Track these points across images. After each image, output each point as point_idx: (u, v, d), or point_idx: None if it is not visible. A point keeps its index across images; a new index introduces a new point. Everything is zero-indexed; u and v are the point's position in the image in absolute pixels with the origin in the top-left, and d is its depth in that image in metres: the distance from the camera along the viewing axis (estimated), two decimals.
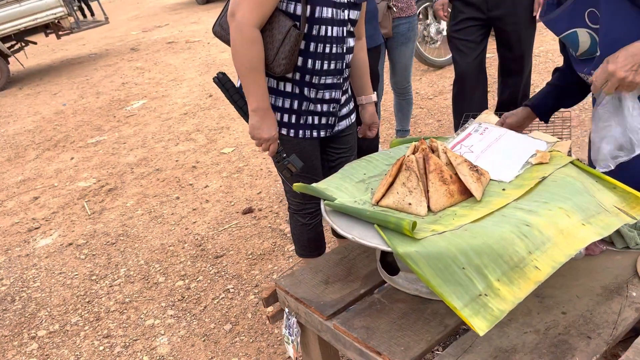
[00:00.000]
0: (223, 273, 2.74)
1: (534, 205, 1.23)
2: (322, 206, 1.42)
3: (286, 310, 1.53)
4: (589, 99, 3.81)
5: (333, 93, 1.87)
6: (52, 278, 2.95)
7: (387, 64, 3.34)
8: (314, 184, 1.52)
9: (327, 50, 1.77)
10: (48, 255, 3.18)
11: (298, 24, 1.69)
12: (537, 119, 1.82)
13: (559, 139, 1.57)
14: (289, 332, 1.54)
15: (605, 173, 1.36)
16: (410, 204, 1.33)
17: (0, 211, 3.89)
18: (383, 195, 1.39)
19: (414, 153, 1.40)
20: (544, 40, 5.26)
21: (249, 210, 3.27)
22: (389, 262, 1.47)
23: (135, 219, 3.43)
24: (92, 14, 8.69)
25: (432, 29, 4.91)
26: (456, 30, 2.98)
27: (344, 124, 1.98)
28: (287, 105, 1.85)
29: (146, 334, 2.41)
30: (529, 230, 1.15)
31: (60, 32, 7.69)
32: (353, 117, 2.02)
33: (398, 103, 3.47)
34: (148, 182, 3.92)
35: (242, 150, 4.20)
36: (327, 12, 1.72)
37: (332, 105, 1.89)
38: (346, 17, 1.79)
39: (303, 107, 1.85)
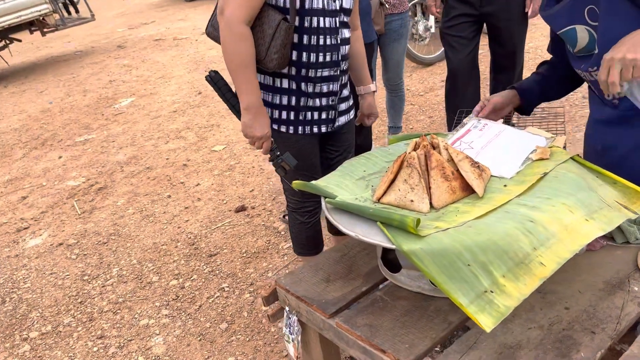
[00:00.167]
0: (217, 272, 2.72)
1: (537, 202, 1.23)
2: (322, 204, 1.41)
3: (286, 308, 1.52)
4: (575, 94, 3.85)
5: (331, 86, 1.85)
6: (42, 279, 2.91)
7: (379, 60, 3.33)
8: (313, 182, 1.51)
9: (321, 42, 1.76)
10: (38, 256, 3.14)
11: (288, 17, 1.68)
12: (525, 116, 1.81)
13: (553, 135, 1.57)
14: (289, 331, 1.53)
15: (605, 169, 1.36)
16: (412, 200, 1.32)
17: None
18: (384, 193, 1.38)
19: (415, 150, 1.39)
20: (534, 37, 5.29)
21: (241, 209, 3.26)
22: (390, 259, 1.46)
23: (126, 218, 3.40)
24: (77, 11, 8.56)
25: (421, 27, 4.91)
26: (449, 27, 2.98)
27: (343, 119, 1.96)
28: (284, 102, 1.84)
29: (141, 334, 2.39)
30: (534, 226, 1.15)
31: (45, 30, 7.57)
32: (352, 113, 2.02)
33: (390, 100, 3.47)
34: (138, 181, 3.88)
35: (233, 148, 4.17)
36: (318, 3, 1.71)
37: (330, 98, 1.87)
38: (338, 7, 1.77)
39: (301, 103, 1.84)
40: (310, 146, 1.92)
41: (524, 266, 1.11)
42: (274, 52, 1.70)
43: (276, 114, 1.86)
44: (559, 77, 1.71)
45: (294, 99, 1.83)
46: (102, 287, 2.76)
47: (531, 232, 1.14)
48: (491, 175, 1.40)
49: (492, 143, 1.49)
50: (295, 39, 1.74)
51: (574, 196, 1.23)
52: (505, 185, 1.35)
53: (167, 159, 4.17)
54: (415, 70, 5.11)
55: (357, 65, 2.06)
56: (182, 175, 3.86)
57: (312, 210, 2.09)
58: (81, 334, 2.45)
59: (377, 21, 2.94)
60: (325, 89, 1.84)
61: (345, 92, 1.95)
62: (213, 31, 1.85)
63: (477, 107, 1.67)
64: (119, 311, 2.56)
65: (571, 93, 1.88)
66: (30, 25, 7.50)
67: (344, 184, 1.49)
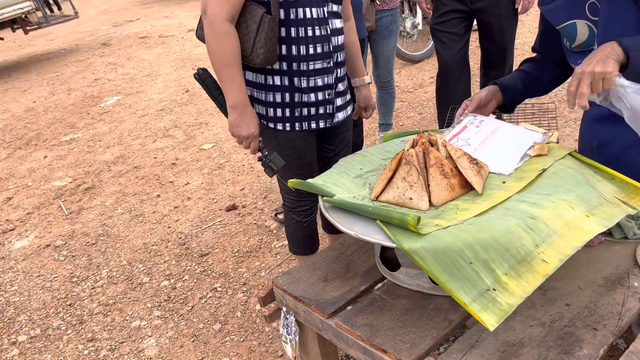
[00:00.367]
0: (209, 272, 2.69)
1: (537, 198, 1.22)
2: (320, 202, 1.39)
3: (283, 309, 1.50)
4: (564, 90, 3.87)
5: (326, 79, 1.82)
6: (30, 281, 2.86)
7: (369, 57, 3.32)
8: (310, 180, 1.49)
9: (310, 33, 1.74)
10: (25, 258, 3.08)
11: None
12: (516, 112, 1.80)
13: (546, 130, 1.57)
14: (286, 332, 1.51)
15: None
16: (411, 198, 1.31)
17: None
18: (382, 191, 1.36)
19: (413, 147, 1.38)
20: (520, 33, 5.32)
21: (232, 207, 3.22)
22: (388, 257, 1.45)
23: (115, 218, 3.35)
24: (60, 9, 8.43)
25: (408, 23, 4.90)
26: (439, 23, 2.98)
27: (342, 115, 1.93)
28: (278, 99, 1.81)
29: (132, 336, 2.35)
30: (535, 223, 1.14)
31: (27, 28, 7.45)
32: (350, 109, 1.99)
33: (381, 97, 3.46)
34: (127, 180, 3.83)
35: (222, 146, 4.14)
36: None
37: (326, 92, 1.84)
38: None
39: (296, 99, 1.81)
40: (306, 144, 1.89)
41: (526, 263, 1.11)
42: (259, 47, 1.67)
43: (271, 112, 1.84)
44: (542, 75, 1.71)
45: (287, 96, 1.81)
46: (92, 288, 2.72)
47: (532, 229, 1.14)
48: (489, 172, 1.40)
49: (490, 139, 1.48)
50: (283, 33, 1.72)
51: (574, 192, 1.22)
52: (504, 182, 1.34)
53: (155, 158, 4.12)
54: (404, 66, 5.10)
55: (351, 57, 2.03)
56: (171, 175, 3.82)
57: (308, 209, 2.07)
58: (71, 337, 2.41)
59: (368, 17, 2.92)
60: (320, 82, 1.81)
61: (342, 87, 1.91)
62: (202, 33, 1.82)
63: (459, 111, 1.66)
64: (109, 313, 2.52)
65: (559, 88, 1.88)
66: (13, 23, 7.38)
67: (340, 182, 1.47)
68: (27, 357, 2.33)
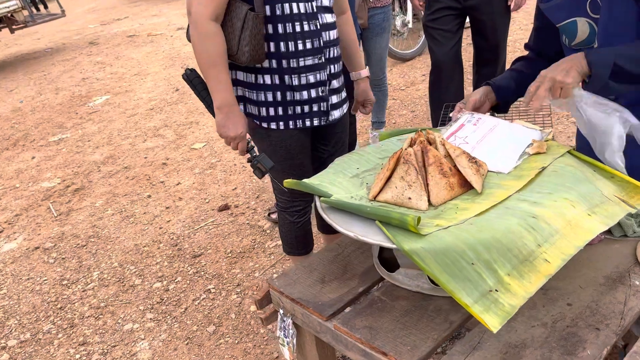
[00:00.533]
0: (202, 273, 2.66)
1: (537, 197, 1.21)
2: (317, 203, 1.37)
3: (280, 311, 1.47)
4: None
5: (318, 75, 1.79)
6: (19, 284, 2.81)
7: (361, 55, 3.30)
8: (305, 180, 1.47)
9: (298, 28, 1.71)
10: (14, 261, 3.03)
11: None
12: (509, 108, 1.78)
13: (542, 128, 1.55)
14: (284, 334, 1.49)
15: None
16: (410, 198, 1.29)
17: None
18: (380, 190, 1.34)
19: (411, 146, 1.36)
20: (511, 30, 5.28)
21: (225, 207, 3.19)
22: (386, 258, 1.43)
23: (105, 219, 3.30)
24: (46, 7, 8.31)
25: (398, 21, 4.88)
26: (432, 20, 2.96)
27: (337, 113, 1.90)
28: (270, 98, 1.78)
29: (125, 339, 2.32)
30: (536, 222, 1.13)
31: (13, 27, 7.34)
32: (345, 107, 1.96)
33: (373, 95, 3.43)
34: (117, 181, 3.78)
35: (213, 146, 4.10)
36: None
37: (319, 89, 1.81)
38: None
39: (288, 98, 1.78)
40: (299, 144, 1.86)
41: (528, 263, 1.09)
42: (244, 44, 1.65)
43: (263, 111, 1.81)
44: (535, 73, 1.69)
45: (279, 94, 1.78)
46: (83, 291, 2.68)
47: (534, 229, 1.12)
48: (488, 171, 1.38)
49: (487, 137, 1.47)
50: (270, 29, 1.70)
51: (575, 190, 1.21)
52: (503, 181, 1.32)
53: (145, 157, 4.07)
54: (395, 64, 5.08)
55: (348, 50, 2.00)
56: (161, 175, 3.77)
57: (301, 209, 2.04)
58: (62, 341, 2.37)
59: (360, 15, 2.90)
60: (312, 79, 1.78)
61: (336, 84, 1.87)
62: None
63: (454, 112, 1.64)
64: (101, 316, 2.48)
65: None
66: None
67: (337, 181, 1.45)
68: None
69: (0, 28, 7.42)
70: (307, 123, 1.83)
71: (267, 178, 2.08)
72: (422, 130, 1.42)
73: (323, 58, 1.79)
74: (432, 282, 1.29)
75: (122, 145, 4.35)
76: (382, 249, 1.43)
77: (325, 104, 1.84)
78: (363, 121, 3.97)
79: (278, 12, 1.68)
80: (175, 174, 3.75)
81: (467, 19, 3.05)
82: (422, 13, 4.78)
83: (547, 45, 1.64)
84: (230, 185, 3.46)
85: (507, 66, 3.21)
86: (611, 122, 1.27)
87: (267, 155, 1.80)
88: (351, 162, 1.54)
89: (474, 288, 1.07)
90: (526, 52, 1.75)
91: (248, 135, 1.81)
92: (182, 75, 1.79)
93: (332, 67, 1.84)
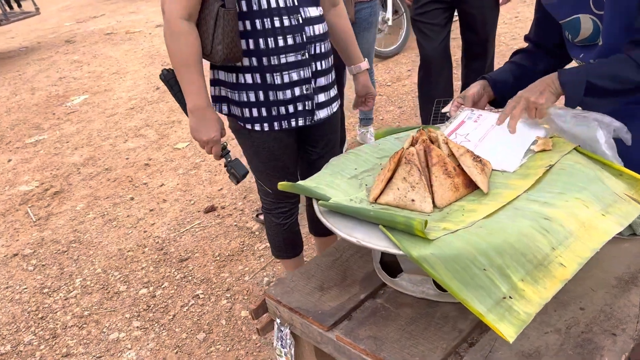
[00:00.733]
0: (190, 278, 2.57)
1: (548, 197, 1.15)
2: (315, 206, 1.30)
3: (277, 321, 1.40)
4: None
5: (301, 72, 1.70)
6: None
7: None
8: (301, 182, 1.40)
9: (277, 24, 1.63)
10: None
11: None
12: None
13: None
14: (281, 344, 1.42)
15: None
16: (413, 200, 1.23)
17: None
18: (381, 192, 1.28)
19: (412, 145, 1.30)
20: None
21: (211, 209, 3.11)
22: (387, 262, 1.37)
23: (87, 223, 3.19)
24: (19, 5, 8.09)
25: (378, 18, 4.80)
26: (420, 14, 2.91)
27: (324, 113, 1.81)
28: (252, 98, 1.71)
29: (111, 349, 2.22)
30: (550, 224, 1.07)
31: None
32: (335, 106, 1.87)
33: None
34: (98, 183, 3.66)
35: (197, 145, 3.99)
36: None
37: (304, 87, 1.72)
38: None
39: (270, 98, 1.70)
40: (282, 145, 1.79)
41: (543, 268, 1.04)
42: (217, 43, 1.58)
43: (246, 112, 1.73)
44: (535, 65, 1.65)
45: (261, 94, 1.70)
46: (65, 299, 2.57)
47: (548, 231, 1.06)
48: (492, 169, 1.32)
49: (490, 135, 1.41)
50: (248, 26, 1.62)
51: (587, 189, 1.16)
52: (509, 180, 1.27)
53: (127, 158, 3.96)
54: (379, 60, 5.03)
55: (345, 44, 1.93)
56: (144, 176, 3.67)
57: (287, 211, 1.97)
58: (44, 352, 2.27)
59: (348, 10, 2.82)
60: (295, 76, 1.69)
61: (323, 81, 1.79)
62: None
63: (453, 108, 1.58)
64: (85, 325, 2.38)
65: None
66: None
67: (335, 183, 1.38)
68: None
69: None
70: (293, 123, 1.75)
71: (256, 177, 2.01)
72: (423, 128, 1.36)
73: (307, 54, 1.71)
74: (438, 287, 1.23)
75: (103, 146, 4.23)
76: (383, 253, 1.37)
77: (310, 102, 1.76)
78: (350, 118, 3.90)
79: (255, 7, 1.60)
80: (158, 175, 3.65)
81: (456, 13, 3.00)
82: (404, 9, 4.74)
83: (548, 38, 1.60)
84: (216, 186, 3.37)
85: (496, 60, 3.19)
86: (594, 132, 1.29)
87: (252, 154, 1.75)
88: (348, 162, 1.47)
89: (487, 295, 1.01)
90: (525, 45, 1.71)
91: (223, 139, 1.75)
92: (160, 75, 1.72)
93: (317, 63, 1.75)
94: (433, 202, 1.24)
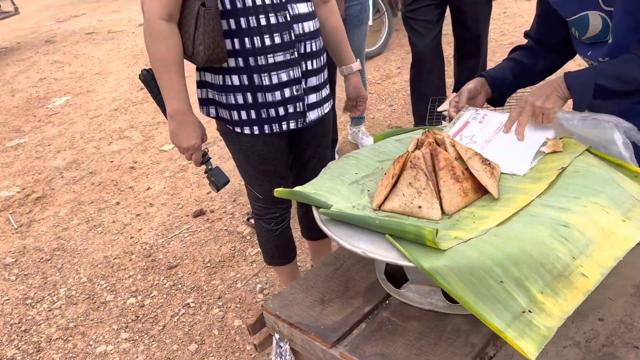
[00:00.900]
0: (180, 286, 2.48)
1: (564, 202, 1.09)
2: (315, 214, 1.22)
3: (276, 336, 1.32)
4: None
5: (291, 72, 1.62)
6: None
7: None
8: (299, 188, 1.32)
9: (263, 22, 1.55)
10: None
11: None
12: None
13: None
14: None
15: None
16: (420, 207, 1.16)
17: None
18: (385, 198, 1.21)
19: (417, 148, 1.23)
20: None
21: (200, 213, 3.01)
22: (391, 271, 1.30)
23: (71, 230, 3.08)
24: None
25: None
26: (411, 10, 2.84)
27: (314, 114, 1.74)
28: (240, 101, 1.62)
29: None
30: (569, 232, 1.01)
31: None
32: (327, 107, 1.79)
33: None
34: (81, 188, 3.55)
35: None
36: None
37: (294, 88, 1.65)
38: None
39: (259, 100, 1.62)
40: (272, 149, 1.71)
41: (563, 279, 0.97)
42: (198, 43, 1.51)
43: (235, 115, 1.65)
44: (535, 63, 1.60)
45: (249, 96, 1.62)
46: (49, 311, 2.47)
47: (567, 239, 1.00)
48: (501, 173, 1.26)
49: (497, 136, 1.35)
50: (232, 25, 1.54)
51: (604, 193, 1.09)
52: (520, 184, 1.20)
53: (111, 161, 3.85)
54: (368, 57, 4.95)
55: (336, 42, 1.84)
56: (130, 179, 3.56)
57: (278, 216, 1.89)
58: None
59: (338, 6, 2.75)
60: (284, 77, 1.62)
61: (315, 81, 1.71)
62: None
63: (451, 108, 1.51)
64: (70, 338, 2.28)
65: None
66: None
67: (335, 189, 1.30)
68: None
69: None
70: (284, 127, 1.67)
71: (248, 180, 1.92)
72: (428, 130, 1.29)
73: (296, 53, 1.63)
74: (448, 298, 1.16)
75: (86, 149, 4.11)
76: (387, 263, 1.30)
77: (300, 104, 1.68)
78: (341, 117, 3.83)
79: (239, 5, 1.52)
80: (144, 178, 3.54)
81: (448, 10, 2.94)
82: (385, 8, 4.68)
83: (551, 34, 1.53)
84: (205, 189, 3.28)
85: (488, 57, 3.13)
86: (611, 133, 1.23)
87: (241, 158, 1.68)
88: (348, 166, 1.40)
89: (505, 309, 0.95)
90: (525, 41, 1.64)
91: (204, 145, 1.67)
92: (139, 76, 1.64)
93: (307, 63, 1.67)
94: (441, 208, 1.17)
